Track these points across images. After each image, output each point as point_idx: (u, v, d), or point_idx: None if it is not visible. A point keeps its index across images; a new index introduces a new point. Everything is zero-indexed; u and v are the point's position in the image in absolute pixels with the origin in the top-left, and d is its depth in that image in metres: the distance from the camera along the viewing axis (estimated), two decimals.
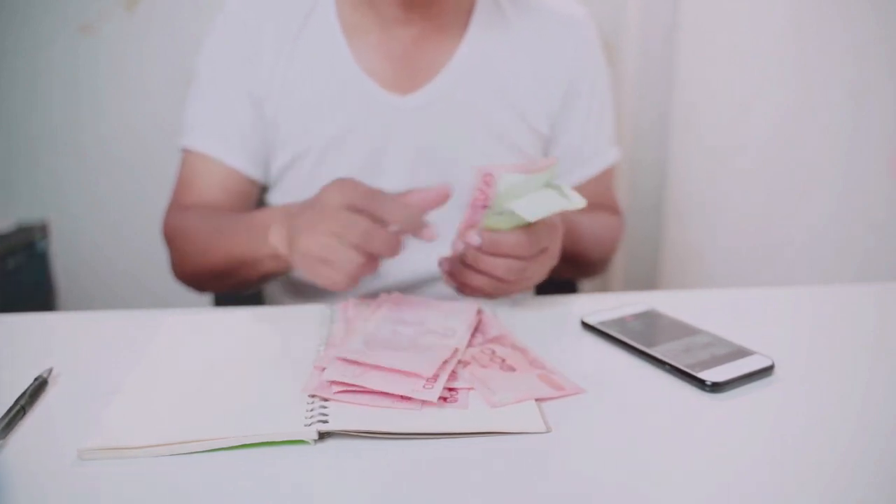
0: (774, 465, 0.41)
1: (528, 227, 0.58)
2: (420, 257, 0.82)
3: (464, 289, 0.61)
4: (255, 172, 0.81)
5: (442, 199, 0.57)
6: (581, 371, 0.51)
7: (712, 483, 0.39)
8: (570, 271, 0.85)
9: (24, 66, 1.43)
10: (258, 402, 0.47)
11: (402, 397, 0.46)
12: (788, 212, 1.12)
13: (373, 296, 0.64)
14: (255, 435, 0.42)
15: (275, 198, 0.84)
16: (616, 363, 0.54)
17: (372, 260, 0.55)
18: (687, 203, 1.47)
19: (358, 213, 0.54)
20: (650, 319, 0.60)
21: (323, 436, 0.43)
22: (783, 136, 1.12)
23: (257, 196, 0.84)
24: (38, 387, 0.48)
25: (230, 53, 0.78)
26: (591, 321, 0.59)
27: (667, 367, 0.51)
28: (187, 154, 0.81)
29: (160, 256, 0.82)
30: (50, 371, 0.51)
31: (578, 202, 0.55)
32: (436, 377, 0.47)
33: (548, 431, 0.44)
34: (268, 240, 0.63)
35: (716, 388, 0.48)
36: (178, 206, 0.80)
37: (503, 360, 0.52)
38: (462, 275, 0.60)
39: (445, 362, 0.49)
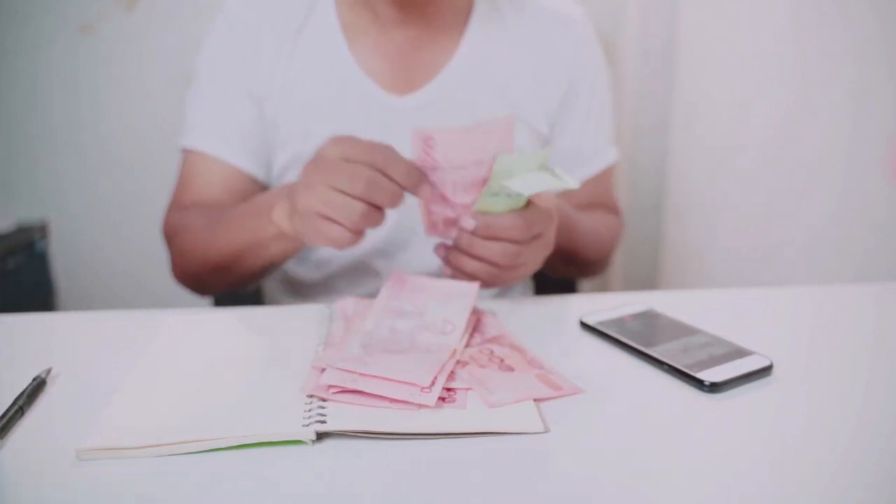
0: (773, 465, 0.40)
1: (522, 210, 0.57)
2: (418, 256, 0.82)
3: (460, 275, 0.61)
4: (256, 171, 0.80)
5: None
6: (579, 371, 0.51)
7: (711, 483, 0.39)
8: (569, 270, 0.85)
9: (24, 66, 1.43)
10: (256, 402, 0.47)
11: (400, 401, 0.46)
12: (788, 212, 1.12)
13: (372, 296, 0.64)
14: (254, 435, 0.42)
15: None
16: (614, 363, 0.54)
17: (375, 211, 0.54)
18: (687, 203, 1.47)
19: (360, 164, 0.53)
20: (649, 319, 0.60)
21: (321, 436, 0.43)
22: (783, 136, 1.12)
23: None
24: (37, 387, 0.48)
25: (230, 53, 0.78)
26: (589, 321, 0.59)
27: (665, 367, 0.51)
28: (187, 153, 0.81)
29: (160, 256, 0.82)
30: (48, 371, 0.51)
31: (571, 183, 0.55)
32: (433, 382, 0.47)
33: (546, 431, 0.44)
34: (272, 219, 0.62)
35: (714, 388, 0.48)
36: (178, 205, 0.80)
37: (501, 360, 0.52)
38: (457, 260, 0.60)
39: (442, 365, 0.49)
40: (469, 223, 0.57)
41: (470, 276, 0.60)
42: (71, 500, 0.38)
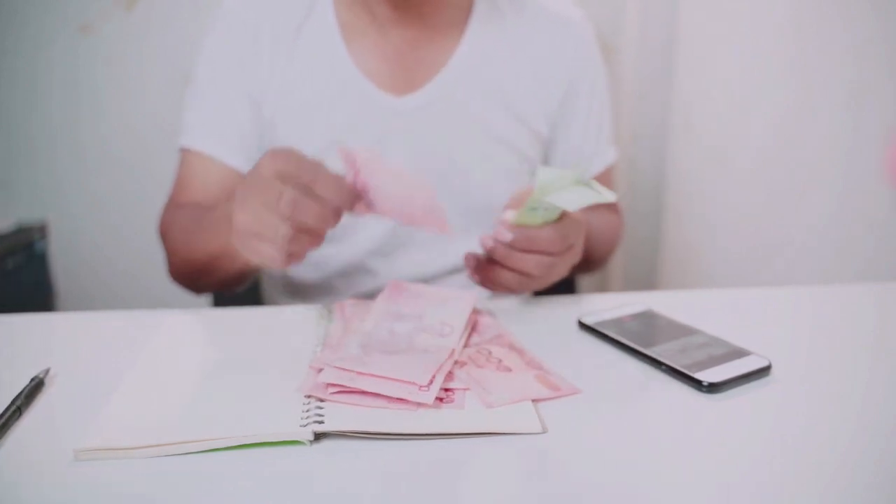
0: (771, 466, 0.40)
1: (558, 222, 0.57)
2: (417, 257, 0.82)
3: (488, 284, 0.61)
4: None
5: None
6: (578, 371, 0.51)
7: (709, 483, 0.39)
8: (575, 269, 0.85)
9: (24, 66, 1.43)
10: (254, 402, 0.47)
11: (398, 399, 0.46)
12: (788, 212, 1.12)
13: (371, 296, 0.64)
14: (251, 435, 0.42)
15: None
16: (613, 364, 0.54)
17: (305, 233, 0.51)
18: (686, 203, 1.47)
19: (287, 183, 0.50)
20: (647, 320, 0.60)
21: (319, 436, 0.43)
22: (783, 137, 1.12)
23: None
24: (35, 387, 0.48)
25: (228, 54, 0.78)
26: (588, 321, 0.59)
27: (663, 367, 0.51)
28: (185, 153, 0.81)
29: (160, 257, 0.81)
30: (47, 371, 0.51)
31: (609, 196, 0.55)
32: (431, 381, 0.47)
33: (544, 432, 0.44)
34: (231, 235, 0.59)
35: (712, 388, 0.48)
36: (173, 204, 0.80)
37: (500, 361, 0.52)
38: (489, 271, 0.59)
39: (440, 365, 0.49)
40: (507, 235, 0.56)
41: (501, 287, 0.60)
42: (69, 500, 0.38)
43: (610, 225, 0.87)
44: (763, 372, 0.50)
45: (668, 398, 0.48)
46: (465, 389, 0.48)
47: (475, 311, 0.60)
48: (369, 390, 0.46)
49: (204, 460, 0.41)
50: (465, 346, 0.55)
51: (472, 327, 0.58)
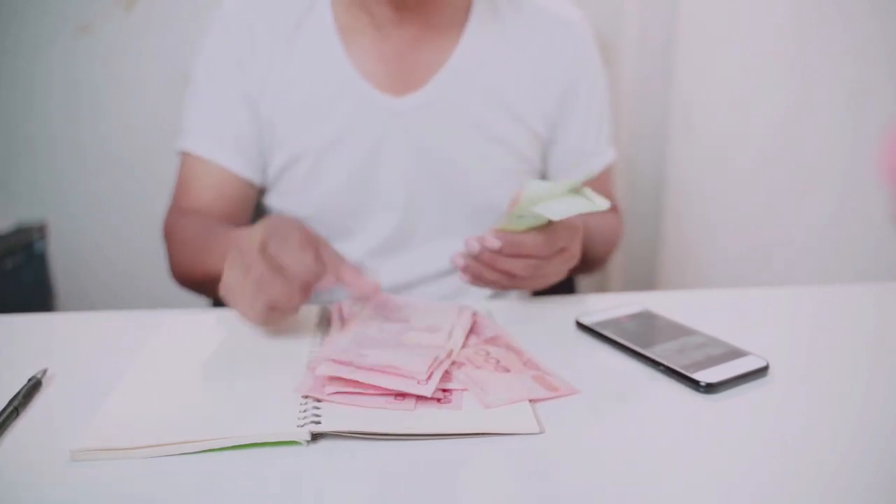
0: (768, 466, 0.40)
1: (547, 227, 0.57)
2: (416, 257, 0.82)
3: (477, 283, 0.61)
4: (252, 175, 0.80)
5: (368, 294, 0.56)
6: (575, 372, 0.51)
7: (706, 483, 0.39)
8: (574, 270, 0.85)
9: (24, 67, 1.43)
10: (252, 402, 0.47)
11: (396, 393, 0.46)
12: (788, 212, 1.12)
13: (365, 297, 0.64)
14: (248, 436, 0.42)
15: (272, 200, 0.84)
16: (611, 364, 0.54)
17: (274, 307, 0.52)
18: (685, 204, 1.47)
19: (262, 257, 0.51)
20: (645, 320, 0.59)
21: (316, 437, 0.43)
22: (782, 137, 1.12)
23: (255, 199, 0.84)
24: (32, 387, 0.48)
25: (226, 55, 0.78)
26: (585, 322, 0.59)
27: (661, 367, 0.51)
28: (184, 156, 0.81)
29: (159, 257, 0.82)
30: (44, 372, 0.51)
31: (601, 204, 0.55)
32: (429, 376, 0.47)
33: (541, 432, 0.44)
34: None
35: (710, 388, 0.48)
36: (177, 209, 0.80)
37: (497, 361, 0.52)
38: (478, 271, 0.59)
39: (438, 361, 0.49)
40: (495, 243, 0.56)
41: (489, 284, 0.60)
42: (65, 500, 0.38)
43: (609, 225, 0.86)
44: (761, 372, 0.50)
45: (666, 398, 0.48)
46: (462, 390, 0.48)
47: (472, 313, 0.60)
48: (368, 382, 0.46)
49: (201, 460, 0.41)
50: (463, 346, 0.55)
51: (471, 328, 0.58)
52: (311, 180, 0.79)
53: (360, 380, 0.46)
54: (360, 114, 0.77)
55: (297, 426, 0.43)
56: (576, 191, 0.56)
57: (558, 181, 0.55)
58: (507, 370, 0.51)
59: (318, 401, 0.46)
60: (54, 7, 1.41)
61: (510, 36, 0.81)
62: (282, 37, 0.77)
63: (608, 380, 0.51)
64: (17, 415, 0.46)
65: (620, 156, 1.52)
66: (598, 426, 0.45)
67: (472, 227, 0.79)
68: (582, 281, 1.07)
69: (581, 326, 0.59)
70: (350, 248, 0.81)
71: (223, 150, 0.78)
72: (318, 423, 0.43)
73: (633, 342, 0.54)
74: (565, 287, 0.99)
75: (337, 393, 0.46)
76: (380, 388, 0.46)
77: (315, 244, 0.54)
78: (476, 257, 0.59)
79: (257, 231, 0.53)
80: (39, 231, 1.45)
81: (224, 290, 0.54)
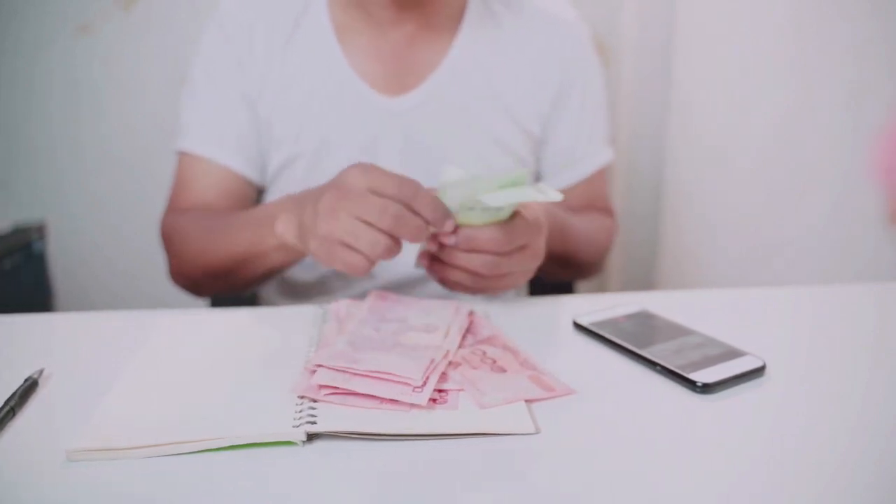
0: (765, 466, 0.40)
1: (506, 222, 0.57)
2: (412, 257, 0.82)
3: (444, 283, 0.61)
4: (251, 174, 0.81)
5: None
6: (572, 372, 0.51)
7: (702, 484, 0.39)
8: (564, 273, 0.85)
9: (23, 67, 1.43)
10: (247, 403, 0.47)
11: (391, 400, 0.46)
12: (787, 212, 1.12)
13: (363, 297, 0.64)
14: (244, 436, 0.42)
15: (271, 199, 0.84)
16: (607, 364, 0.54)
17: (397, 244, 0.55)
18: (685, 204, 1.47)
19: (390, 199, 0.53)
20: (642, 320, 0.59)
21: (311, 437, 0.43)
22: (782, 137, 1.12)
23: (254, 198, 0.84)
24: (28, 388, 0.48)
25: (224, 55, 0.78)
26: (582, 322, 0.59)
27: (658, 368, 0.51)
28: (183, 156, 0.81)
29: (159, 257, 0.81)
30: (41, 372, 0.51)
31: (554, 196, 0.55)
32: (425, 382, 0.47)
33: (537, 432, 0.44)
34: (275, 230, 0.61)
35: (706, 389, 0.48)
36: (174, 208, 0.80)
37: (494, 362, 0.52)
38: (441, 270, 0.60)
39: (434, 363, 0.49)
40: (449, 238, 0.57)
41: (454, 285, 0.60)
42: (61, 500, 0.38)
43: (601, 227, 0.86)
44: (758, 372, 0.50)
45: (663, 398, 0.48)
46: (458, 390, 0.48)
47: (469, 313, 0.60)
48: (363, 392, 0.46)
49: (196, 461, 0.41)
50: (460, 346, 0.55)
51: (467, 328, 0.58)
52: (309, 179, 0.79)
53: (356, 389, 0.46)
54: (357, 113, 0.77)
55: (293, 426, 0.43)
56: (527, 183, 0.56)
57: (502, 171, 0.56)
58: (504, 370, 0.51)
59: (314, 401, 0.46)
60: (53, 7, 1.40)
61: (506, 36, 0.81)
62: (279, 37, 0.77)
63: (605, 380, 0.51)
64: (14, 415, 0.46)
65: (619, 156, 1.52)
66: (594, 426, 0.45)
67: None
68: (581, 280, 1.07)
69: (578, 326, 0.59)
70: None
71: (224, 149, 0.78)
72: (314, 423, 0.43)
73: (630, 342, 0.54)
74: (564, 287, 0.99)
75: (333, 393, 0.46)
76: (375, 396, 0.46)
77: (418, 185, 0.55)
78: (435, 255, 0.59)
79: (356, 178, 0.54)
80: (38, 231, 1.44)
81: (322, 243, 0.55)
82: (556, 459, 0.41)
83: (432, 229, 0.56)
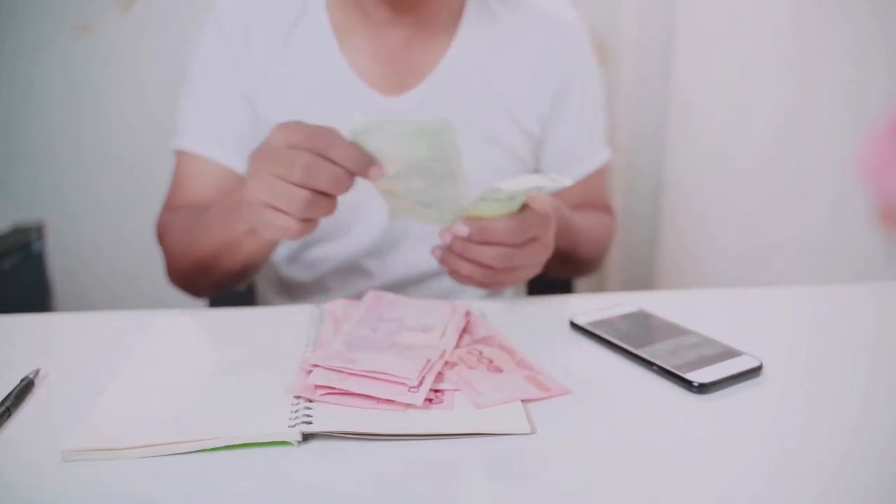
0: (761, 466, 0.40)
1: (517, 214, 0.57)
2: (410, 257, 0.82)
3: (455, 276, 0.61)
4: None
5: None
6: (568, 372, 0.51)
7: (698, 484, 0.39)
8: (565, 270, 0.85)
9: (22, 67, 1.43)
10: (243, 403, 0.47)
11: (387, 400, 0.46)
12: (787, 212, 1.12)
13: (360, 297, 0.64)
14: (239, 436, 0.42)
15: None
16: (604, 364, 0.54)
17: (321, 197, 0.52)
18: (684, 204, 1.47)
19: (300, 150, 0.51)
20: (639, 320, 0.59)
21: (307, 437, 0.43)
22: (782, 137, 1.12)
23: None
24: (24, 388, 0.48)
25: (222, 54, 0.78)
26: (579, 322, 0.59)
27: (655, 367, 0.51)
28: (181, 155, 0.81)
29: (157, 257, 0.81)
30: (37, 372, 0.51)
31: (563, 181, 0.54)
32: (421, 382, 0.47)
33: (533, 432, 0.44)
34: (242, 214, 0.59)
35: (703, 388, 0.48)
36: (170, 207, 0.80)
37: (490, 362, 0.52)
38: (453, 262, 0.59)
39: (430, 363, 0.49)
40: (462, 230, 0.56)
41: (465, 279, 0.60)
42: (57, 500, 0.38)
43: (601, 225, 0.86)
44: (754, 372, 0.50)
45: (659, 398, 0.48)
46: (454, 390, 0.48)
47: (466, 314, 0.60)
48: (358, 392, 0.46)
49: (191, 461, 0.41)
50: (456, 346, 0.54)
51: (464, 328, 0.58)
52: None
53: (351, 389, 0.46)
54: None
55: (289, 426, 0.43)
56: (437, 131, 0.53)
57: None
58: (500, 370, 0.50)
59: (310, 401, 0.46)
60: (52, 7, 1.40)
61: (504, 36, 0.81)
62: (277, 36, 0.77)
63: (601, 380, 0.51)
64: (10, 415, 0.46)
65: (619, 156, 1.52)
66: (590, 426, 0.45)
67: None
68: (580, 280, 1.07)
69: (575, 326, 0.59)
70: (344, 248, 0.81)
71: (222, 148, 0.78)
72: (310, 423, 0.43)
73: (626, 342, 0.54)
74: (563, 286, 0.99)
75: (329, 393, 0.46)
76: (370, 397, 0.46)
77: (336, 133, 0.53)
78: (449, 248, 0.58)
79: (274, 136, 0.52)
80: (37, 231, 1.45)
81: (249, 207, 0.53)
82: (552, 459, 0.41)
83: (361, 180, 0.53)
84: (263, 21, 0.78)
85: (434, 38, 0.79)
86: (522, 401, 0.47)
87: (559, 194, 0.79)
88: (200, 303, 0.96)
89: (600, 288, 1.67)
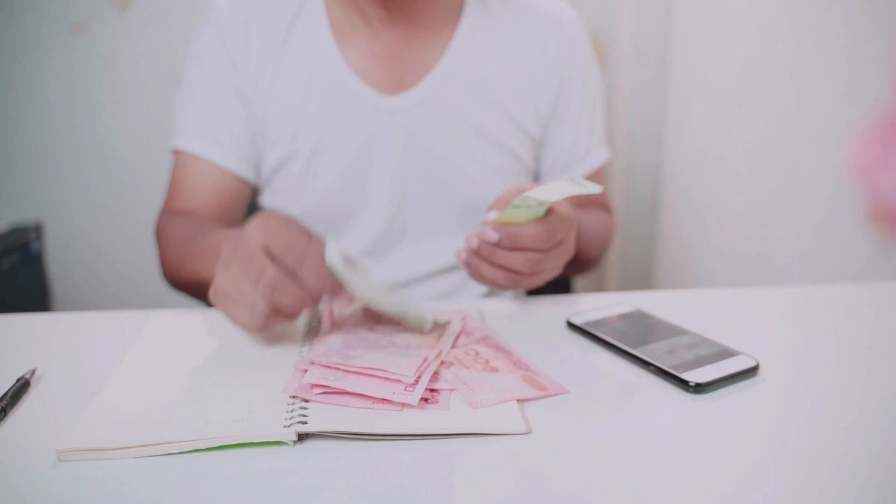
0: (757, 466, 0.40)
1: (544, 219, 0.57)
2: (408, 257, 0.82)
3: (476, 278, 0.60)
4: (246, 173, 0.80)
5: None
6: (565, 372, 0.51)
7: (695, 483, 0.39)
8: (568, 269, 0.85)
9: (20, 66, 1.43)
10: (239, 402, 0.46)
11: (382, 400, 0.46)
12: (785, 212, 1.12)
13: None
14: (234, 436, 0.42)
15: (266, 199, 0.84)
16: (600, 364, 0.54)
17: (280, 312, 0.51)
18: (682, 204, 1.47)
19: (272, 260, 0.50)
20: (636, 320, 0.59)
21: (302, 437, 0.43)
22: (779, 137, 1.12)
23: (249, 198, 0.84)
24: (20, 388, 0.48)
25: (219, 54, 0.78)
26: (576, 321, 0.59)
27: (651, 367, 0.51)
28: (179, 156, 0.81)
29: (155, 257, 0.82)
30: (33, 372, 0.51)
31: (593, 188, 0.54)
32: (417, 380, 0.47)
33: (528, 432, 0.43)
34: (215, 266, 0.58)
35: (699, 388, 0.48)
36: (169, 209, 0.80)
37: (487, 362, 0.52)
38: (476, 266, 0.59)
39: (426, 362, 0.49)
40: (492, 235, 0.56)
41: (490, 283, 0.60)
42: (51, 501, 0.38)
43: (602, 223, 0.86)
44: (751, 372, 0.50)
45: (655, 398, 0.48)
46: (450, 390, 0.48)
47: (463, 317, 0.60)
48: (354, 391, 0.46)
49: (186, 461, 0.41)
50: (453, 346, 0.54)
51: (461, 329, 0.58)
52: (304, 179, 0.79)
53: (347, 388, 0.46)
54: (354, 112, 0.77)
55: (284, 426, 0.43)
56: (413, 314, 0.56)
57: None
58: (497, 370, 0.50)
59: (306, 401, 0.46)
60: (50, 7, 1.41)
61: (503, 35, 0.81)
62: (275, 36, 0.77)
63: (598, 380, 0.51)
64: (5, 415, 0.46)
65: (617, 157, 1.52)
66: (586, 426, 0.45)
67: (463, 227, 0.79)
68: (579, 280, 1.07)
69: (572, 326, 0.59)
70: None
71: (220, 148, 0.78)
72: (305, 423, 0.43)
73: (623, 342, 0.54)
74: (561, 286, 0.99)
75: (324, 393, 0.46)
76: (366, 396, 0.46)
77: (307, 235, 0.52)
78: (476, 251, 0.58)
79: (254, 231, 0.51)
80: (36, 231, 1.45)
81: (215, 293, 0.52)
82: (548, 459, 0.41)
83: (328, 300, 0.53)
84: (261, 21, 0.78)
85: (433, 38, 0.79)
86: (518, 400, 0.47)
87: None
88: (199, 303, 0.96)
89: (599, 288, 1.67)
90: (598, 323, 0.58)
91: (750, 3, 1.21)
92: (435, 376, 0.49)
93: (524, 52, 0.81)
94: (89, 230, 1.54)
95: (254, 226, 0.51)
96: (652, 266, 1.63)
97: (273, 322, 0.51)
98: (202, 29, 0.80)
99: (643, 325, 0.58)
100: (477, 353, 0.53)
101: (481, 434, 0.43)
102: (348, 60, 0.77)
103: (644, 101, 1.53)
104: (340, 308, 0.61)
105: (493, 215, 0.57)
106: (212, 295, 0.53)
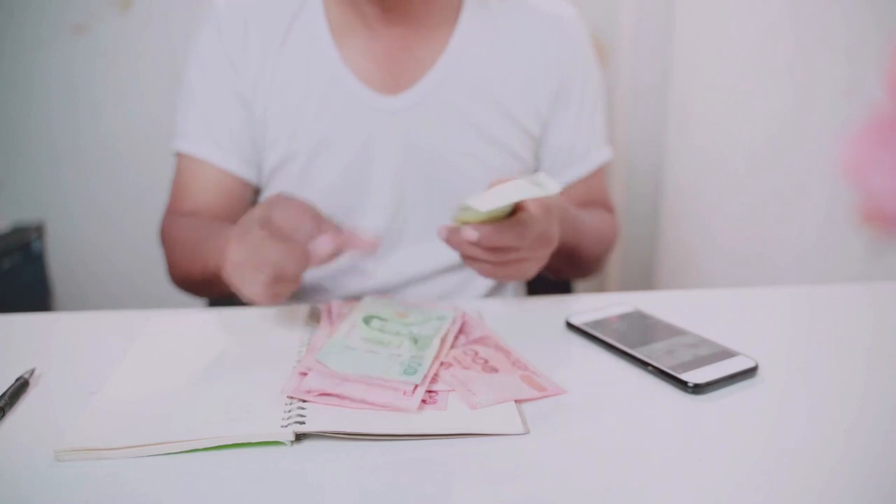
0: (756, 467, 0.40)
1: (518, 217, 0.56)
2: (407, 258, 0.82)
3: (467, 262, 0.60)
4: (247, 174, 0.80)
5: (369, 249, 0.56)
6: (564, 372, 0.51)
7: (693, 484, 0.39)
8: (570, 270, 0.85)
9: (21, 67, 1.43)
10: (237, 402, 0.47)
11: (381, 405, 0.46)
12: (785, 212, 1.12)
13: (357, 297, 0.64)
14: (232, 436, 0.42)
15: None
16: (599, 364, 0.54)
17: (280, 277, 0.52)
18: (683, 204, 1.47)
19: (270, 232, 0.52)
20: (635, 320, 0.59)
21: (300, 437, 0.43)
22: (779, 137, 1.12)
23: (251, 198, 0.84)
24: (19, 387, 0.48)
25: (219, 55, 0.78)
26: (575, 322, 0.59)
27: (650, 368, 0.51)
28: (180, 158, 0.81)
29: (157, 257, 0.82)
30: (32, 372, 0.51)
31: (552, 188, 0.53)
32: (415, 388, 0.47)
33: (526, 433, 0.43)
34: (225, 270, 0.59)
35: (698, 389, 0.48)
36: (173, 211, 0.80)
37: (486, 362, 0.52)
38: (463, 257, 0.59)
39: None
40: (472, 235, 0.55)
41: (474, 267, 0.59)
42: (50, 500, 0.38)
43: (605, 223, 0.86)
44: (749, 373, 0.50)
45: (654, 399, 0.48)
46: (449, 391, 0.48)
47: (462, 313, 0.60)
48: (353, 396, 0.46)
49: (184, 461, 0.41)
50: (452, 346, 0.54)
51: (460, 328, 0.58)
52: (303, 179, 0.79)
53: (346, 394, 0.46)
54: (352, 112, 0.77)
55: (282, 426, 0.43)
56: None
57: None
58: (496, 370, 0.50)
59: (304, 401, 0.46)
60: (51, 7, 1.41)
61: (502, 34, 0.80)
62: (275, 36, 0.77)
63: (596, 380, 0.51)
64: (3, 415, 0.46)
65: (618, 157, 1.52)
66: (584, 426, 0.45)
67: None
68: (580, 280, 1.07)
69: (571, 326, 0.59)
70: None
71: (220, 150, 0.78)
72: (303, 423, 0.43)
73: (622, 342, 0.54)
74: (561, 286, 0.99)
75: (323, 394, 0.46)
76: (365, 401, 0.46)
77: (313, 211, 0.55)
78: (454, 248, 0.58)
79: (257, 208, 0.55)
80: (37, 231, 1.45)
81: (229, 270, 0.54)
82: (546, 460, 0.41)
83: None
84: (260, 22, 0.78)
85: (431, 37, 0.79)
86: (517, 401, 0.47)
87: (563, 194, 0.79)
88: (199, 302, 0.96)
89: (600, 288, 1.67)
90: (597, 323, 0.58)
91: (750, 4, 1.21)
92: (434, 377, 0.49)
93: (524, 51, 0.81)
94: (90, 230, 1.54)
95: (257, 205, 0.56)
96: (653, 266, 1.63)
97: (276, 289, 0.53)
98: (201, 30, 0.80)
99: (642, 325, 0.58)
100: (476, 353, 0.53)
101: (479, 434, 0.43)
102: (347, 61, 0.77)
103: (644, 101, 1.53)
104: (340, 308, 0.61)
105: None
106: (229, 268, 0.55)
